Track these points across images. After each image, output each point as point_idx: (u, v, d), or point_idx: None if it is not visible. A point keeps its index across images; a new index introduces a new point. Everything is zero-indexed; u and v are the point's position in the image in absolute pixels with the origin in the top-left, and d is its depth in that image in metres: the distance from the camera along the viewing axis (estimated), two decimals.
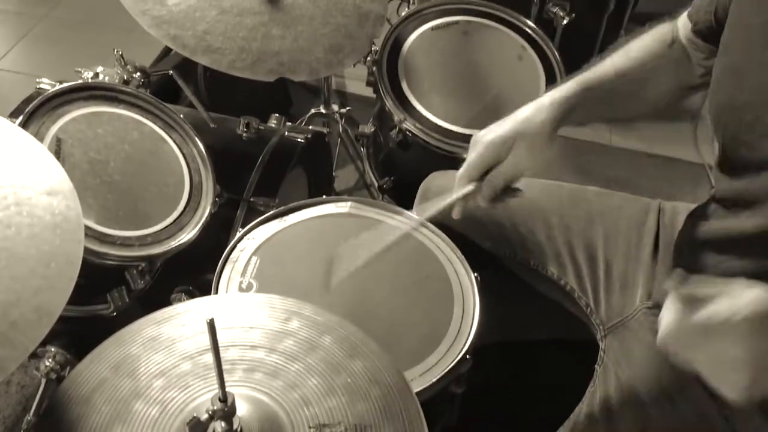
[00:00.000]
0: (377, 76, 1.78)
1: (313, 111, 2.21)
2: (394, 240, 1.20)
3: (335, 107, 2.21)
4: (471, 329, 1.26)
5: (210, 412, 0.86)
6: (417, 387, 1.15)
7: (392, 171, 1.93)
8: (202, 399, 0.92)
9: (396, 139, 1.74)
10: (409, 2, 2.31)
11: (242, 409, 0.90)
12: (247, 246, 1.38)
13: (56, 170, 1.09)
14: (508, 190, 1.20)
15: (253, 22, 1.56)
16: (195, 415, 0.87)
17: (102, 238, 1.34)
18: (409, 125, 1.71)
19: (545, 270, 1.40)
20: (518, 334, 1.63)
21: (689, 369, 0.84)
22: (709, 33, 1.16)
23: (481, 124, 1.71)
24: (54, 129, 1.38)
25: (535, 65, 1.84)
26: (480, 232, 1.45)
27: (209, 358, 0.84)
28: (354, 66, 1.78)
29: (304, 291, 1.30)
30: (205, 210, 1.48)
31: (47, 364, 1.38)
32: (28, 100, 1.44)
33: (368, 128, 1.97)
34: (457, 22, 1.89)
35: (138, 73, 1.60)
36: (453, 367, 1.20)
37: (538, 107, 1.18)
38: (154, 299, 1.45)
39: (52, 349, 1.38)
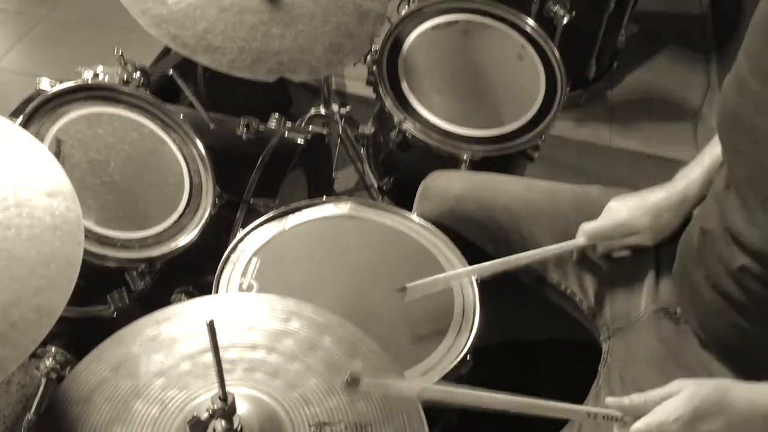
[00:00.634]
0: (377, 75, 1.77)
1: (313, 111, 2.21)
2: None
3: (335, 107, 2.20)
4: (471, 330, 1.26)
5: (210, 411, 0.86)
6: None
7: (392, 172, 1.92)
8: (202, 398, 0.92)
9: (396, 139, 1.74)
10: (409, 1, 2.30)
11: (242, 408, 0.90)
12: (248, 247, 1.38)
13: (56, 171, 1.09)
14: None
15: (253, 20, 1.55)
16: (195, 414, 0.87)
17: (102, 240, 1.34)
18: (409, 125, 1.71)
19: (546, 273, 1.40)
20: (518, 334, 1.63)
21: None
22: None
23: (481, 124, 1.72)
24: (54, 129, 1.38)
25: (536, 64, 1.84)
26: (481, 235, 1.44)
27: (209, 357, 0.84)
28: (354, 65, 1.78)
29: (305, 291, 1.30)
30: (205, 211, 1.48)
31: (47, 363, 1.38)
32: (28, 101, 1.44)
33: (368, 129, 1.97)
34: (457, 21, 1.89)
35: (138, 73, 1.59)
36: (453, 367, 1.20)
37: (670, 203, 1.29)
38: (154, 300, 1.45)
39: (53, 349, 1.38)
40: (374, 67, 1.79)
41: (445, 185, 1.51)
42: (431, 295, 1.31)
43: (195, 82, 2.19)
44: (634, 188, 1.42)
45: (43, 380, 1.39)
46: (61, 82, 1.47)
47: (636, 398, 0.98)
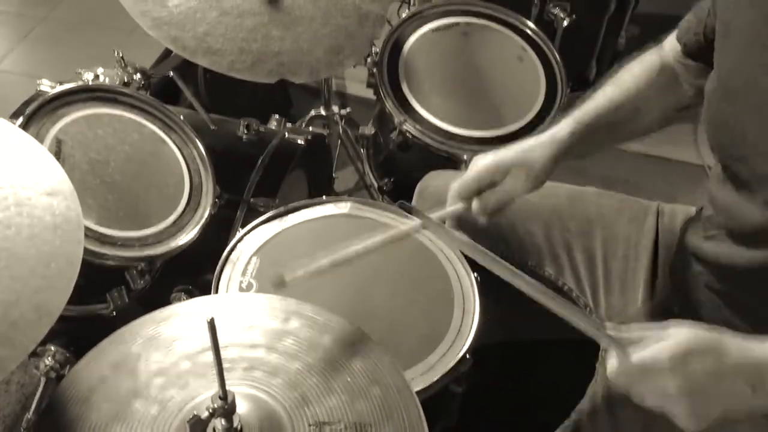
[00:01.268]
0: (377, 77, 1.78)
1: (313, 112, 2.21)
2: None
3: (335, 109, 2.20)
4: (471, 329, 1.26)
5: (210, 410, 0.86)
6: (417, 386, 1.15)
7: (392, 172, 1.93)
8: (202, 398, 0.92)
9: (396, 140, 1.74)
10: (409, 3, 2.31)
11: (242, 407, 0.90)
12: (247, 246, 1.38)
13: (56, 171, 1.10)
14: (497, 210, 1.25)
15: (253, 23, 1.56)
16: (195, 412, 0.87)
17: (102, 239, 1.34)
18: (409, 127, 1.71)
19: (543, 271, 1.40)
20: (518, 333, 1.63)
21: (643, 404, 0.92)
22: (699, 52, 1.19)
23: (482, 126, 1.73)
24: (54, 130, 1.38)
25: (536, 66, 1.85)
26: (477, 233, 1.44)
27: (209, 356, 0.84)
28: (354, 67, 1.78)
29: (305, 291, 1.30)
30: (205, 210, 1.48)
31: (47, 362, 1.38)
32: (28, 102, 1.44)
33: (368, 130, 1.97)
34: (457, 24, 1.89)
35: (138, 75, 1.60)
36: (453, 366, 1.20)
37: (539, 142, 1.22)
38: (154, 299, 1.45)
39: (52, 348, 1.38)
40: (374, 69, 1.79)
41: (441, 185, 1.51)
42: (431, 295, 1.31)
43: (195, 83, 2.19)
44: (634, 188, 1.43)
45: (43, 379, 1.39)
46: (61, 83, 1.48)
47: (635, 333, 0.96)
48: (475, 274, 1.34)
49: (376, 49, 1.80)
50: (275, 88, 2.13)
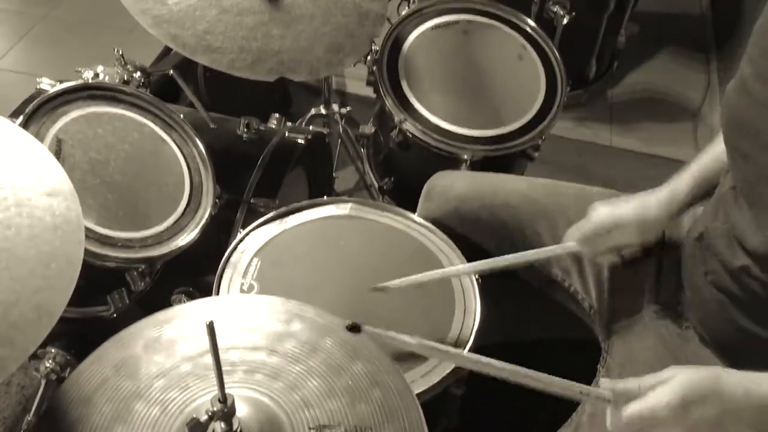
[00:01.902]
0: (377, 75, 1.77)
1: (313, 111, 2.21)
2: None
3: (335, 107, 2.20)
4: (472, 330, 1.26)
5: (210, 413, 0.86)
6: (418, 388, 1.15)
7: (392, 171, 1.92)
8: (202, 400, 0.92)
9: (396, 139, 1.74)
10: (409, 1, 2.30)
11: (242, 410, 0.90)
12: (248, 248, 1.37)
13: (56, 171, 1.09)
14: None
15: (253, 21, 1.56)
16: (194, 415, 0.87)
17: (103, 240, 1.33)
18: (409, 125, 1.71)
19: (549, 272, 1.40)
20: (519, 334, 1.63)
21: None
22: None
23: (481, 124, 1.72)
24: (54, 129, 1.38)
25: (536, 64, 1.84)
26: (484, 233, 1.44)
27: (209, 358, 0.84)
28: (354, 66, 1.78)
29: (306, 292, 1.30)
30: (206, 211, 1.48)
31: (47, 365, 1.38)
32: (28, 101, 1.44)
33: (368, 129, 1.97)
34: (457, 22, 1.88)
35: (138, 73, 1.60)
36: (454, 368, 1.20)
37: (658, 200, 1.25)
38: (155, 301, 1.45)
39: (53, 350, 1.38)
40: (374, 68, 1.79)
41: (448, 186, 1.51)
42: (432, 296, 1.31)
43: (195, 82, 2.19)
44: (634, 188, 1.43)
45: (43, 381, 1.39)
46: (61, 82, 1.47)
47: (630, 383, 0.98)
48: (476, 275, 1.34)
49: (375, 47, 1.80)
50: (275, 87, 2.13)
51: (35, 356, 1.39)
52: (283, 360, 0.98)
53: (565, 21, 2.30)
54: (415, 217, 1.45)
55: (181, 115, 1.55)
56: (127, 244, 1.36)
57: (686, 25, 3.19)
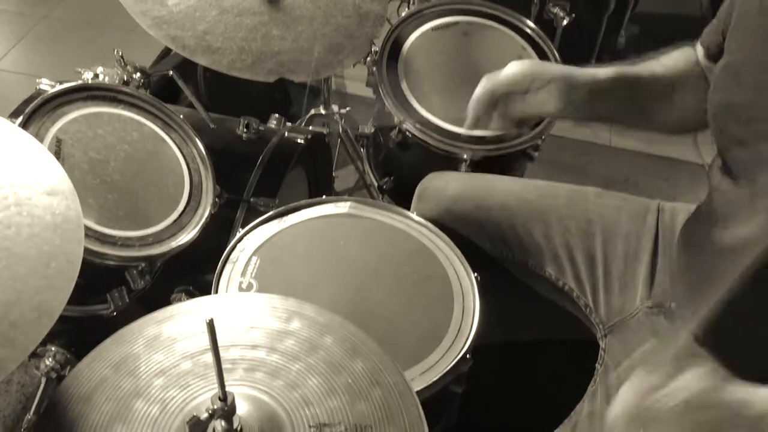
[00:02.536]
0: (377, 76, 1.77)
1: (313, 111, 2.21)
2: None
3: (335, 108, 2.21)
4: (471, 329, 1.26)
5: (210, 411, 0.86)
6: (417, 386, 1.15)
7: (392, 171, 1.93)
8: (203, 398, 0.92)
9: (396, 139, 1.74)
10: (409, 2, 2.31)
11: (242, 408, 0.90)
12: (247, 246, 1.38)
13: (56, 170, 1.09)
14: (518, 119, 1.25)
15: (253, 22, 1.56)
16: (195, 414, 0.87)
17: (102, 239, 1.34)
18: (409, 126, 1.71)
19: (543, 271, 1.40)
20: (518, 333, 1.63)
21: None
22: (719, 55, 1.18)
23: (482, 125, 1.72)
24: (54, 129, 1.38)
25: None
26: (478, 234, 1.45)
27: (209, 357, 0.84)
28: (354, 66, 1.78)
29: (305, 290, 1.30)
30: (206, 210, 1.48)
31: (47, 363, 1.38)
32: (28, 101, 1.44)
33: (368, 129, 1.97)
34: (457, 23, 1.89)
35: (138, 74, 1.60)
36: (453, 366, 1.20)
37: (581, 71, 1.24)
38: (154, 299, 1.45)
39: (53, 349, 1.38)
40: (374, 68, 1.79)
41: (441, 186, 1.52)
42: (431, 295, 1.31)
43: (195, 82, 2.19)
44: (634, 188, 1.43)
45: (43, 380, 1.39)
46: (61, 82, 1.48)
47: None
48: (475, 273, 1.34)
49: (375, 48, 1.80)
50: (275, 87, 2.13)
51: (35, 354, 1.39)
52: (282, 358, 0.98)
53: (565, 22, 2.31)
54: (414, 216, 1.46)
55: (181, 116, 1.55)
56: (126, 243, 1.36)
57: (686, 25, 3.18)
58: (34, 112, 1.37)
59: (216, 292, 1.30)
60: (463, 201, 1.47)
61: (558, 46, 1.89)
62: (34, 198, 1.03)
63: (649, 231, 1.37)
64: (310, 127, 2.02)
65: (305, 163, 1.93)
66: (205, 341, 0.83)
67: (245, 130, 1.76)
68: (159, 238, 1.42)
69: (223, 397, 0.86)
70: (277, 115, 1.86)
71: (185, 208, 1.47)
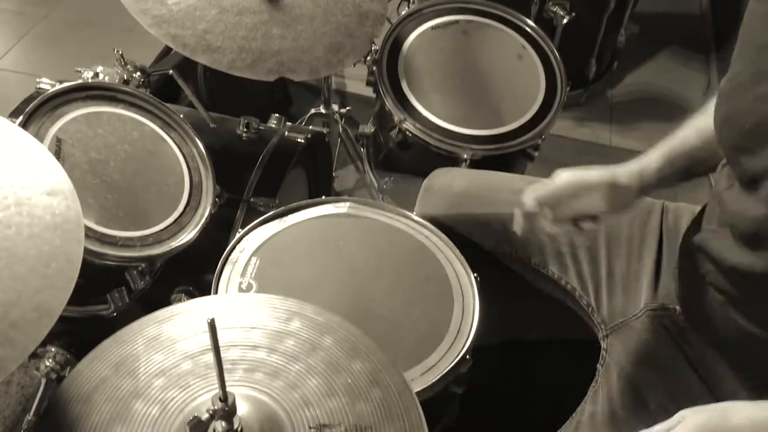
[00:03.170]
0: (377, 75, 1.78)
1: (313, 111, 2.21)
2: None
3: (335, 107, 2.20)
4: (471, 329, 1.26)
5: (210, 412, 0.86)
6: (417, 387, 1.15)
7: (392, 171, 1.93)
8: (203, 399, 0.92)
9: (396, 138, 1.74)
10: (409, 1, 2.31)
11: (242, 409, 0.90)
12: (247, 246, 1.38)
13: (56, 170, 1.09)
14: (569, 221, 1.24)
15: (253, 21, 1.56)
16: (196, 414, 0.87)
17: (103, 239, 1.34)
18: (409, 125, 1.71)
19: (546, 269, 1.40)
20: (518, 333, 1.63)
21: None
22: None
23: (481, 124, 1.72)
24: (54, 129, 1.38)
25: (535, 64, 1.84)
26: (482, 231, 1.44)
27: (209, 357, 0.84)
28: (354, 66, 1.78)
29: (304, 291, 1.30)
30: (206, 210, 1.48)
31: (47, 364, 1.38)
32: (28, 100, 1.44)
33: (368, 128, 1.97)
34: (457, 22, 1.89)
35: (138, 73, 1.60)
36: (453, 366, 1.20)
37: (628, 170, 1.20)
38: (154, 299, 1.45)
39: (53, 349, 1.38)
40: (374, 67, 1.79)
41: (446, 183, 1.52)
42: (431, 296, 1.31)
43: (195, 81, 2.19)
44: None
45: (43, 380, 1.39)
46: (61, 81, 1.47)
47: None
48: (475, 274, 1.34)
49: (375, 47, 1.80)
50: (275, 87, 2.13)
51: (35, 355, 1.39)
52: (282, 358, 0.98)
53: (564, 21, 2.31)
54: (413, 216, 1.45)
55: (181, 115, 1.55)
56: (127, 243, 1.36)
57: (686, 25, 3.19)
58: (34, 112, 1.37)
59: (216, 293, 1.29)
60: (469, 197, 1.47)
61: (558, 45, 1.89)
62: (34, 198, 1.03)
63: (652, 231, 1.37)
64: (310, 127, 2.02)
65: (305, 162, 1.93)
66: (205, 341, 0.83)
67: (245, 129, 1.76)
68: (159, 238, 1.41)
69: (224, 397, 0.86)
70: (277, 114, 1.85)
71: (185, 208, 1.46)
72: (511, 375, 1.66)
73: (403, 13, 1.91)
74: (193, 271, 1.55)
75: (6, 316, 0.90)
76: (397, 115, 1.72)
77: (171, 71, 1.78)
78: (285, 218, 1.44)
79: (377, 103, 1.86)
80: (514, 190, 1.45)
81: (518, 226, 1.27)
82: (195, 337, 1.00)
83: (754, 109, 1.02)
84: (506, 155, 1.73)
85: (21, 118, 1.33)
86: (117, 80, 1.57)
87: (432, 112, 1.74)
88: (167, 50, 2.43)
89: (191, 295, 1.51)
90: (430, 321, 1.28)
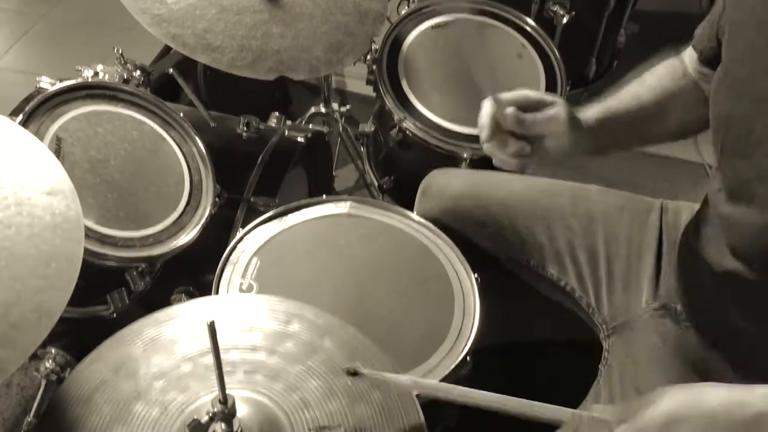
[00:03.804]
0: (377, 74, 1.77)
1: (313, 110, 2.21)
2: None
3: (335, 106, 2.20)
4: (471, 330, 1.26)
5: (210, 414, 0.86)
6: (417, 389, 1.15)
7: (392, 170, 1.92)
8: (203, 401, 0.92)
9: (396, 138, 1.74)
10: (409, 0, 2.30)
11: (242, 411, 0.90)
12: (248, 247, 1.37)
13: (56, 170, 1.09)
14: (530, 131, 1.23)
15: (252, 20, 1.55)
16: (195, 416, 0.87)
17: (103, 239, 1.33)
18: (409, 124, 1.71)
19: (545, 270, 1.40)
20: (519, 334, 1.63)
21: None
22: (715, 59, 1.16)
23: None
24: (54, 128, 1.38)
25: (535, 64, 1.84)
26: (480, 233, 1.44)
27: (209, 359, 0.83)
28: (354, 64, 1.78)
29: (305, 292, 1.30)
30: (206, 210, 1.48)
31: (47, 365, 1.37)
32: (28, 99, 1.43)
33: (368, 127, 1.97)
34: (457, 21, 1.88)
35: (138, 72, 1.60)
36: (453, 368, 1.20)
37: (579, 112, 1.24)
38: (155, 300, 1.45)
39: (53, 351, 1.38)
40: (374, 66, 1.79)
41: (444, 183, 1.51)
42: (432, 296, 1.31)
43: (195, 80, 2.19)
44: (634, 188, 1.42)
45: (43, 382, 1.39)
46: (61, 80, 1.47)
47: (620, 406, 0.97)
48: (476, 274, 1.34)
49: (375, 46, 1.80)
50: (275, 86, 2.12)
51: (35, 356, 1.39)
52: (282, 360, 0.98)
53: (564, 20, 2.30)
54: (414, 216, 1.45)
55: (181, 114, 1.55)
56: (127, 243, 1.36)
57: (686, 25, 3.17)
58: (34, 111, 1.37)
59: (216, 293, 1.29)
60: (466, 198, 1.46)
61: (558, 45, 1.89)
62: (34, 198, 1.03)
63: (652, 230, 1.36)
64: (310, 126, 2.01)
65: (305, 162, 1.93)
66: (205, 343, 0.83)
67: (245, 128, 1.76)
68: (159, 238, 1.41)
69: (224, 399, 0.85)
70: (277, 113, 1.85)
71: (185, 208, 1.46)
72: (512, 375, 1.66)
73: (403, 12, 1.90)
74: (193, 271, 1.55)
75: (6, 317, 0.90)
76: (397, 114, 1.72)
77: (171, 70, 1.78)
78: (285, 218, 1.44)
79: (377, 102, 1.86)
80: (512, 190, 1.46)
81: (484, 119, 1.28)
82: (195, 339, 0.99)
83: (753, 110, 1.02)
84: None
85: (21, 116, 1.33)
86: (117, 79, 1.56)
87: (432, 112, 1.74)
88: (167, 49, 2.43)
89: (191, 296, 1.51)
90: (430, 322, 1.28)
